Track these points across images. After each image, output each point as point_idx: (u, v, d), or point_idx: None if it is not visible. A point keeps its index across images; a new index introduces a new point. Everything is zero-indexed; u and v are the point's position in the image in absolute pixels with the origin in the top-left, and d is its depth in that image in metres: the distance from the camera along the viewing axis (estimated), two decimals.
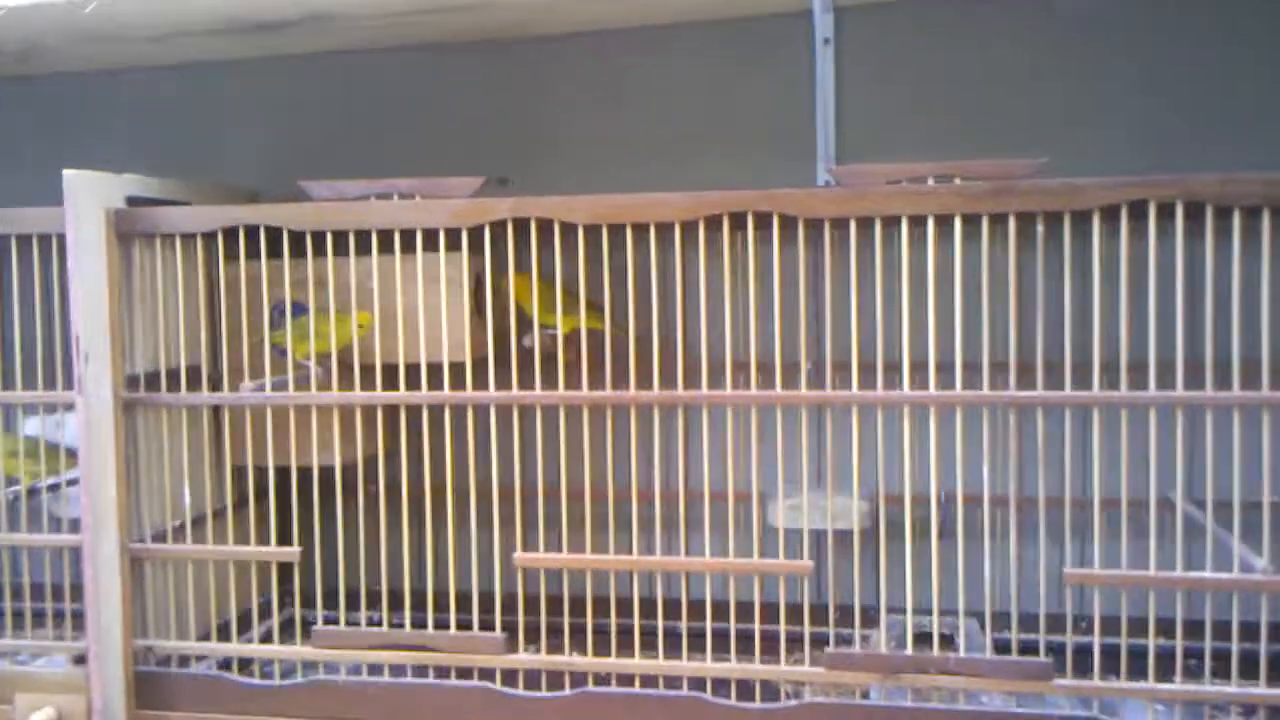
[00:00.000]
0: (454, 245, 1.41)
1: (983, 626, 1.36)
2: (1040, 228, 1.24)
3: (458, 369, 1.41)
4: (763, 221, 1.31)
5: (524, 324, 1.52)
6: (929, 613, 1.37)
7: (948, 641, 1.46)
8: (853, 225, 1.28)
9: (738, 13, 1.67)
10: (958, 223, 1.26)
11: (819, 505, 1.39)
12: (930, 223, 1.26)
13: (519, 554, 1.39)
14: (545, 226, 1.35)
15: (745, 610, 1.35)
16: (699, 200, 1.30)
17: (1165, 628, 1.27)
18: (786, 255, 1.31)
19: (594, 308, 1.48)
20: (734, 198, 1.30)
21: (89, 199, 1.40)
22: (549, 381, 1.38)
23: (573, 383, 1.37)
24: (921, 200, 1.25)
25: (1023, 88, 1.59)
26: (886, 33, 1.64)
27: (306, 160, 1.79)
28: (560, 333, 1.51)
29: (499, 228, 1.36)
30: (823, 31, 1.66)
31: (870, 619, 1.49)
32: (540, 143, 1.75)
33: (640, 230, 1.33)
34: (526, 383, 1.37)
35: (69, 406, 1.50)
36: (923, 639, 1.42)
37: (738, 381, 1.34)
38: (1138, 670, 1.26)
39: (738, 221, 1.31)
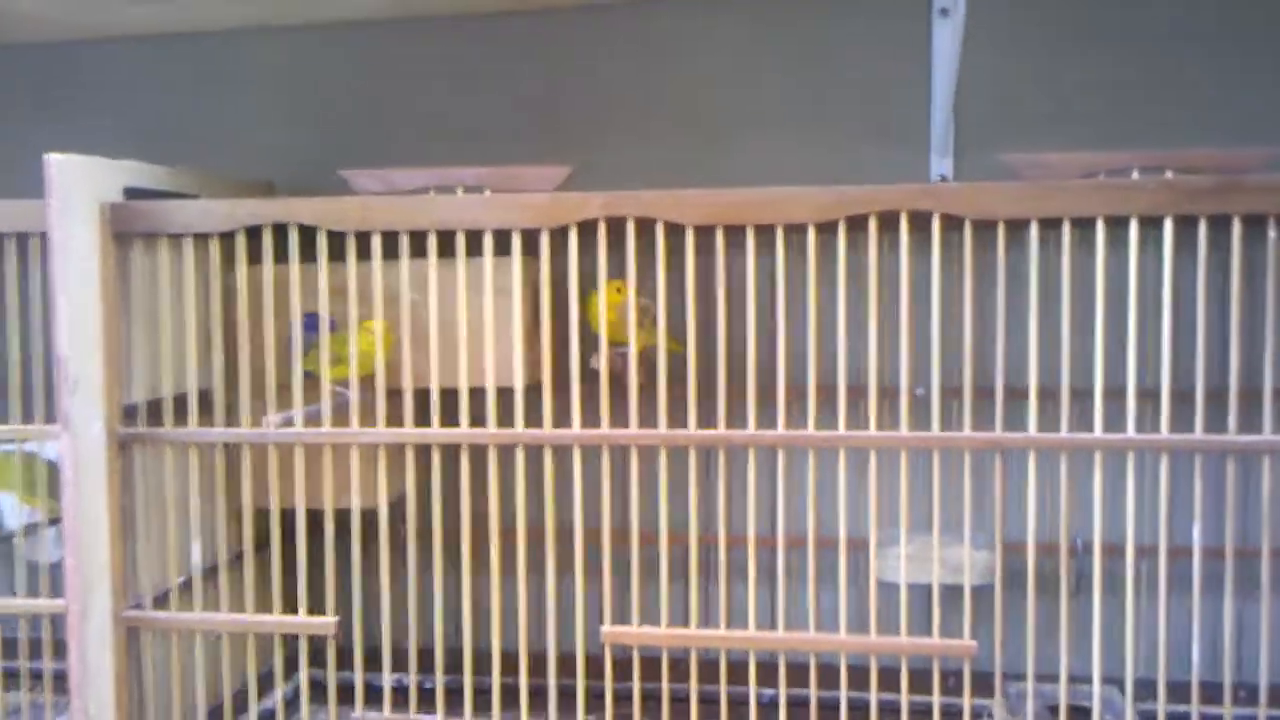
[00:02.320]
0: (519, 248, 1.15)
1: (1124, 694, 1.13)
2: (1272, 233, 1.00)
3: (511, 394, 1.16)
4: (917, 223, 1.06)
5: (592, 341, 1.27)
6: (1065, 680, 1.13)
7: (1084, 715, 1.23)
8: (1034, 227, 1.04)
9: None
10: (1168, 225, 1.01)
11: (937, 556, 1.14)
12: (1134, 225, 1.02)
13: (607, 628, 1.14)
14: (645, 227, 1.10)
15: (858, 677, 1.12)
16: (841, 197, 1.05)
17: None
18: (918, 265, 1.07)
19: (655, 325, 1.24)
20: (885, 194, 1.05)
21: (79, 190, 1.14)
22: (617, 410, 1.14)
23: (653, 416, 1.12)
24: (1127, 197, 1.01)
25: (1182, 66, 1.34)
26: (1016, 1, 1.39)
27: (327, 147, 1.53)
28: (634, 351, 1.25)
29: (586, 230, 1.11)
30: (941, 1, 1.41)
31: (988, 687, 1.25)
32: (600, 127, 1.49)
33: (761, 233, 1.08)
34: (594, 411, 1.13)
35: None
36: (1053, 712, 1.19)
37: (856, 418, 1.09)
38: None
39: (886, 222, 1.06)
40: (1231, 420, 1.02)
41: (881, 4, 1.42)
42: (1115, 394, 1.06)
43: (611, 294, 1.20)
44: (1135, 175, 1.03)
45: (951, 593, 1.19)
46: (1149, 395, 1.06)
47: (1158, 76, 1.33)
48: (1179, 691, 1.11)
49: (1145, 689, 1.12)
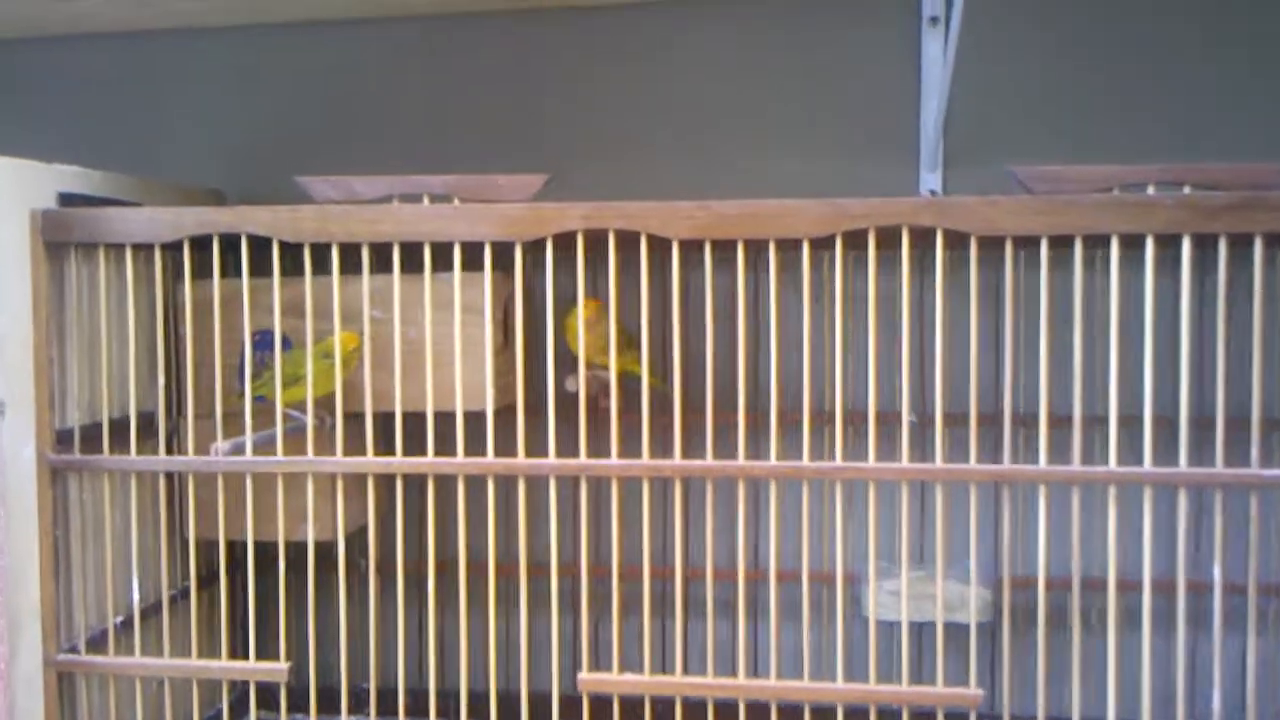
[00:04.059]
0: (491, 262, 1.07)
1: None
2: None
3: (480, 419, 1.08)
4: (918, 239, 0.99)
5: (568, 362, 1.19)
6: None
7: None
8: (1044, 245, 0.97)
9: None
10: (1186, 244, 0.95)
11: (940, 594, 1.07)
12: (1150, 243, 0.95)
13: (584, 675, 1.06)
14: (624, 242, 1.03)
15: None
16: (838, 210, 0.98)
17: None
18: (917, 284, 1.00)
19: (635, 347, 1.16)
20: (885, 207, 0.98)
21: (9, 195, 1.04)
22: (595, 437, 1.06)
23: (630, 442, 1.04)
24: (1144, 213, 0.94)
25: (1184, 75, 1.28)
26: (1010, 9, 1.33)
27: (281, 153, 1.44)
28: (614, 375, 1.17)
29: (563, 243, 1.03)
30: (930, 8, 1.35)
31: None
32: (578, 135, 1.40)
33: (751, 249, 1.01)
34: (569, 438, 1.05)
35: None
36: None
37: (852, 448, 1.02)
38: None
39: (885, 238, 0.99)
40: (1254, 452, 0.96)
41: (871, 12, 1.35)
42: (1129, 422, 1.00)
43: (589, 311, 1.13)
44: (1151, 190, 0.96)
45: (945, 631, 1.12)
46: (1164, 423, 1.00)
47: (1165, 86, 1.27)
48: None
49: None
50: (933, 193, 1.35)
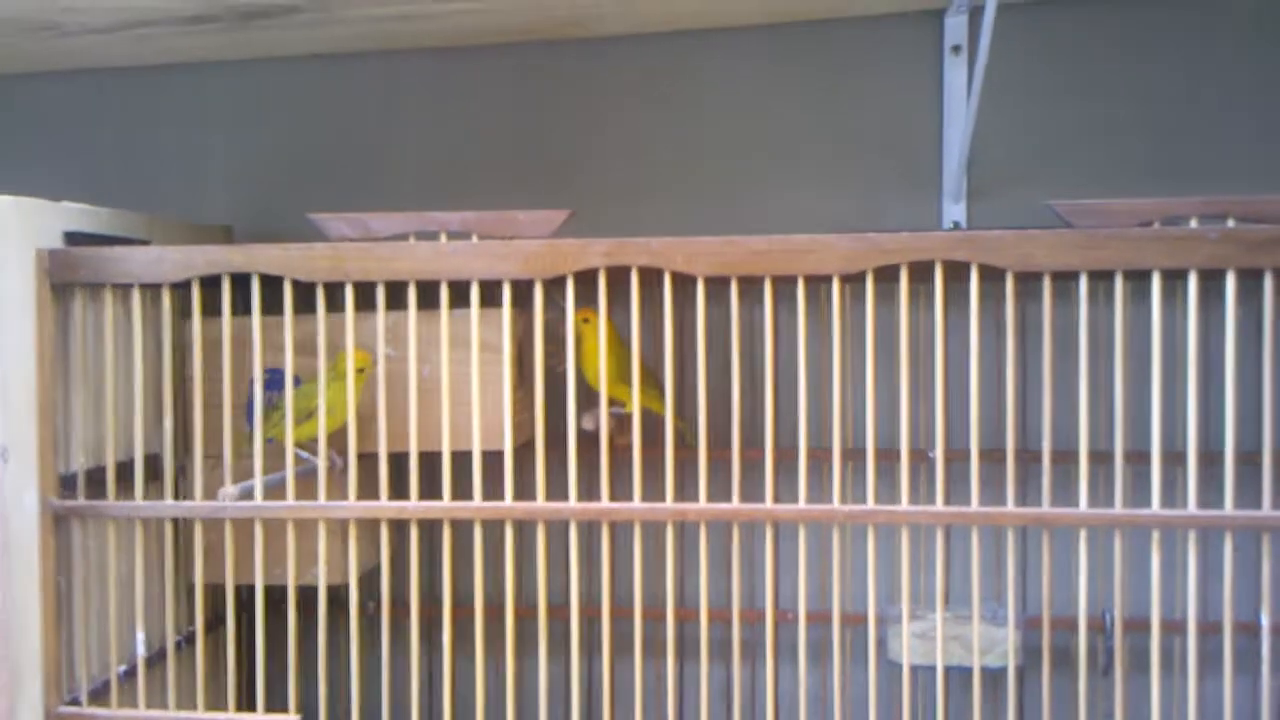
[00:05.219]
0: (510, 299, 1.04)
1: None
2: None
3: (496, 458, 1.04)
4: (953, 273, 0.96)
5: (585, 399, 1.15)
6: None
7: None
8: (1083, 280, 0.94)
9: (843, 12, 1.33)
10: (1230, 279, 0.92)
11: (976, 638, 1.03)
12: (1193, 278, 0.92)
13: None
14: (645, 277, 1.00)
15: None
16: (870, 245, 0.95)
17: None
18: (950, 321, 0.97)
19: (657, 385, 1.14)
20: (918, 242, 0.95)
21: (14, 235, 1.01)
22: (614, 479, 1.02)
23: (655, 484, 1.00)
24: (1187, 247, 0.91)
25: (1220, 106, 1.26)
26: (1034, 38, 1.30)
27: (293, 189, 1.41)
28: (631, 411, 1.14)
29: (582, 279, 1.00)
30: (953, 37, 1.32)
31: None
32: (594, 169, 1.38)
33: (779, 285, 0.98)
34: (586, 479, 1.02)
35: None
36: None
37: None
38: None
39: (918, 273, 0.96)
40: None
41: (892, 41, 1.33)
42: (1172, 459, 0.96)
43: (584, 325, 1.10)
44: (1194, 224, 0.93)
45: (968, 675, 1.09)
46: (1207, 463, 0.96)
47: (1200, 116, 1.24)
48: None
49: None
50: (956, 225, 1.32)
